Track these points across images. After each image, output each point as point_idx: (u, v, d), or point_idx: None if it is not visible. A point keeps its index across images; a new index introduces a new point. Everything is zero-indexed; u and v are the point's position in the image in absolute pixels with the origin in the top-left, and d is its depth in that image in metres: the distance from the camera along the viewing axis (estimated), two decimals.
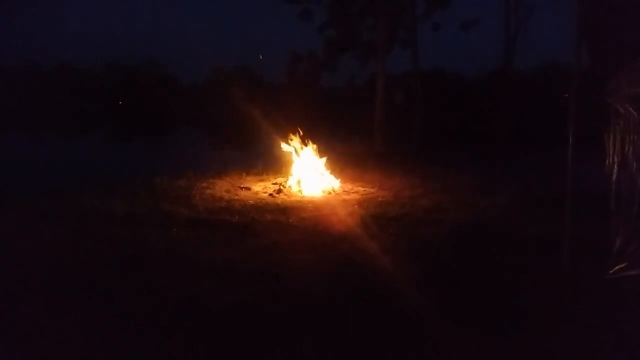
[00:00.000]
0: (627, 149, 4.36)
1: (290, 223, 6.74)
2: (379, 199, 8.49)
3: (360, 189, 9.63)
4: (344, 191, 9.37)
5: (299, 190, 9.21)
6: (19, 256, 5.21)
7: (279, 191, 9.10)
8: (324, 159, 10.22)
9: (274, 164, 11.43)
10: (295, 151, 10.23)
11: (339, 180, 9.99)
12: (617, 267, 4.51)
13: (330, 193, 9.15)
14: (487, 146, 17.48)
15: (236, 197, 8.60)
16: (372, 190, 9.49)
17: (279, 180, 10.03)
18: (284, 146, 10.42)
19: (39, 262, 5.02)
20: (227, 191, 9.12)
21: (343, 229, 6.39)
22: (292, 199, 8.66)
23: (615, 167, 4.44)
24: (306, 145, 10.30)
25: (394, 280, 4.59)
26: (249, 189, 9.43)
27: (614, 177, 4.46)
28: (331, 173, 10.09)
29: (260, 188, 9.53)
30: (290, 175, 9.95)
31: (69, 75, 57.86)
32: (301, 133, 10.41)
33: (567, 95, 4.71)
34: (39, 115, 37.09)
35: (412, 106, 19.30)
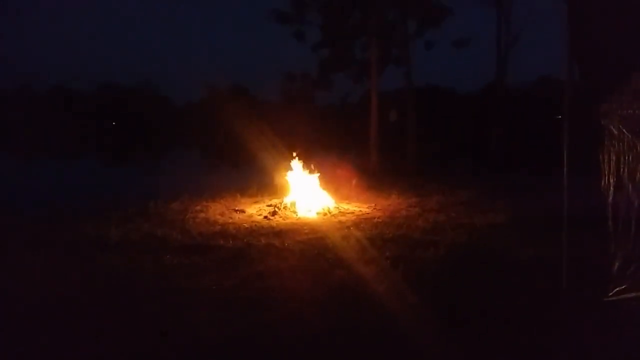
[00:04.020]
0: (622, 170, 4.34)
1: (285, 247, 6.66)
2: (375, 219, 8.43)
3: (356, 209, 9.58)
4: (340, 212, 9.31)
5: (294, 212, 9.14)
6: (7, 285, 5.10)
7: (274, 213, 9.03)
8: (318, 180, 10.19)
9: (269, 185, 11.37)
10: (291, 172, 10.20)
11: (334, 200, 9.95)
12: (617, 289, 4.45)
13: (325, 214, 9.08)
14: (482, 163, 17.52)
15: (230, 221, 8.52)
16: (367, 210, 9.45)
17: (274, 201, 9.95)
18: (279, 168, 10.41)
19: (26, 293, 4.90)
20: (222, 214, 9.04)
21: (339, 252, 6.31)
22: (287, 221, 8.58)
23: (611, 188, 4.41)
24: (301, 165, 10.27)
25: (392, 308, 4.50)
26: (243, 211, 9.35)
27: (610, 198, 4.43)
28: (326, 193, 10.05)
29: (255, 210, 9.45)
30: (285, 196, 9.89)
31: (62, 97, 57.74)
32: (296, 155, 10.39)
33: (560, 116, 4.70)
34: (31, 139, 37.02)
35: (406, 123, 19.35)
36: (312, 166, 10.37)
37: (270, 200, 10.25)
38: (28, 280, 5.26)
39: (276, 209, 9.24)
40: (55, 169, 23.69)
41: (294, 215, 8.98)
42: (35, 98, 56.98)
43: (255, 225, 8.21)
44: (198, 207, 9.54)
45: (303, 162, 10.33)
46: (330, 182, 10.75)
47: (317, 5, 18.12)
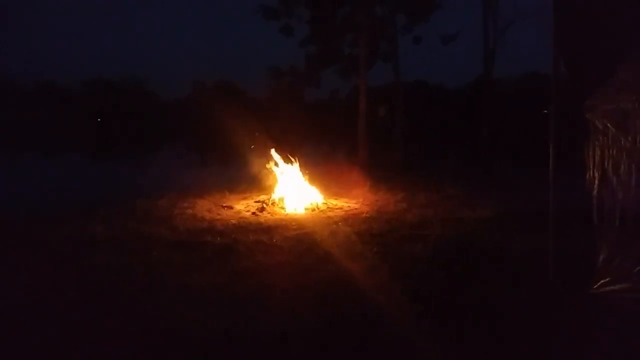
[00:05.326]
0: (606, 163, 4.38)
1: (273, 243, 6.64)
2: (364, 215, 8.44)
3: (344, 204, 9.58)
4: (328, 207, 9.31)
5: (282, 208, 9.12)
6: None
7: (262, 209, 9.00)
8: (307, 176, 10.18)
9: (257, 181, 11.31)
10: (278, 168, 10.17)
11: (323, 196, 9.94)
12: (601, 281, 4.51)
13: (314, 210, 9.07)
14: (470, 158, 17.63)
15: (218, 217, 8.48)
16: (356, 205, 9.45)
17: (262, 197, 9.92)
18: (267, 164, 10.37)
19: (12, 292, 4.85)
20: (209, 211, 8.99)
21: (327, 248, 6.31)
22: (276, 217, 8.56)
23: (596, 182, 4.46)
24: (289, 161, 10.25)
25: (381, 302, 4.51)
26: (231, 207, 9.31)
27: (595, 192, 4.48)
28: (315, 188, 10.03)
29: (243, 206, 9.42)
30: (273, 192, 9.86)
31: (48, 93, 57.02)
32: (283, 151, 10.36)
33: (546, 110, 4.73)
34: (17, 134, 36.55)
35: (394, 119, 19.39)
36: (299, 161, 10.34)
37: (259, 196, 10.21)
38: (15, 281, 5.18)
39: (264, 205, 9.21)
40: (40, 166, 23.41)
41: (282, 211, 8.96)
42: (21, 94, 56.22)
43: (243, 221, 8.18)
44: (185, 204, 9.48)
45: (290, 157, 10.30)
46: (318, 178, 10.73)
47: (305, 0, 18.05)
